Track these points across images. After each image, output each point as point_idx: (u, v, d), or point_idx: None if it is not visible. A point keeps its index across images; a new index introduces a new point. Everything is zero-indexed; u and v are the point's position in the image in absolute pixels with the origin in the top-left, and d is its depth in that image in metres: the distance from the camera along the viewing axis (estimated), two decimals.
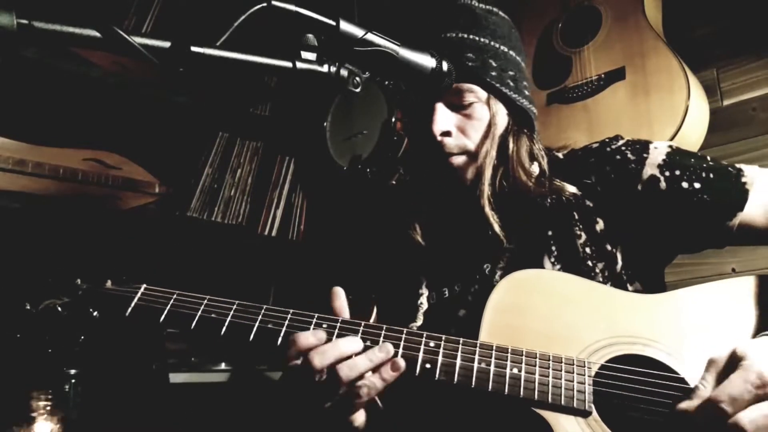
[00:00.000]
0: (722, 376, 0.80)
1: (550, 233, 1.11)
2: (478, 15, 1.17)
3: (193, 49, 0.67)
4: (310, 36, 0.78)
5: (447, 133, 1.13)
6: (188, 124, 2.34)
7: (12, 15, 0.57)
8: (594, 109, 1.98)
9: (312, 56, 0.76)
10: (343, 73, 0.78)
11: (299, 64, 0.75)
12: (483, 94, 1.13)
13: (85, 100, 2.11)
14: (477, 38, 1.14)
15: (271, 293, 2.54)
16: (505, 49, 1.17)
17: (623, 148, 1.14)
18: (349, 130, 2.24)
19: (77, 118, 2.11)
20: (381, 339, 0.93)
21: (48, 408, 1.52)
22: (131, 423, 1.88)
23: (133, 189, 2.09)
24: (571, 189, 1.12)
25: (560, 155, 1.24)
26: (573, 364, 0.90)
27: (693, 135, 1.83)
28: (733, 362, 0.80)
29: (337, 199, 2.37)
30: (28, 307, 0.95)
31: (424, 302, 1.16)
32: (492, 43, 1.15)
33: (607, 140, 1.18)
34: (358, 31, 0.79)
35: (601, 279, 1.06)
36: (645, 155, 1.10)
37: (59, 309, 0.96)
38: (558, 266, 1.08)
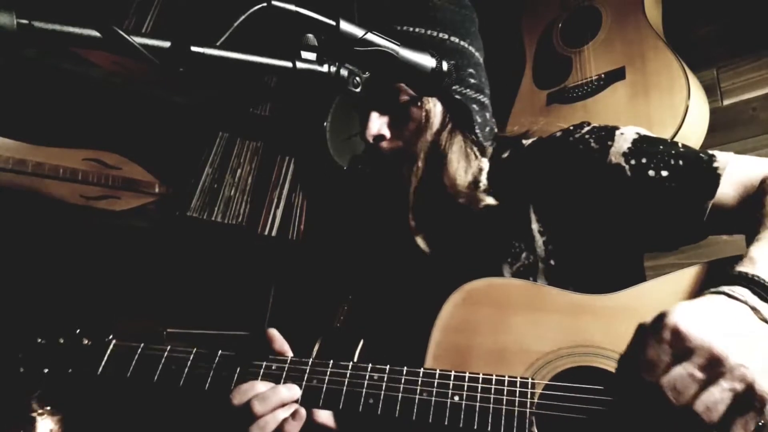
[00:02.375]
0: (646, 338, 0.71)
1: (502, 237, 1.06)
2: (418, 2, 1.12)
3: (193, 49, 0.67)
4: (310, 36, 0.78)
5: (380, 137, 1.10)
6: (188, 124, 2.35)
7: (12, 15, 0.57)
8: (594, 109, 1.98)
9: (312, 56, 0.76)
10: (343, 73, 0.78)
11: (299, 64, 0.75)
12: (416, 92, 1.08)
13: (85, 100, 2.11)
14: (411, 29, 1.08)
15: (271, 293, 2.54)
16: (445, 36, 1.10)
17: (587, 136, 1.06)
18: (349, 130, 2.24)
19: (77, 118, 2.11)
20: (326, 377, 0.96)
21: (48, 408, 1.52)
22: (131, 423, 1.88)
23: (133, 189, 2.10)
24: (489, 201, 1.07)
25: (526, 143, 1.17)
26: (516, 387, 0.87)
27: (693, 135, 1.83)
28: (657, 323, 0.72)
29: (338, 199, 2.37)
30: (22, 370, 1.07)
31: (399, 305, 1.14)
32: (429, 32, 1.09)
33: (571, 128, 1.11)
34: (358, 31, 0.79)
35: (567, 276, 1.00)
36: (609, 143, 1.03)
37: (45, 372, 1.06)
38: (518, 268, 1.02)
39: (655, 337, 0.69)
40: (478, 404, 0.87)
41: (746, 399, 0.65)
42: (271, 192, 2.40)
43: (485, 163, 1.15)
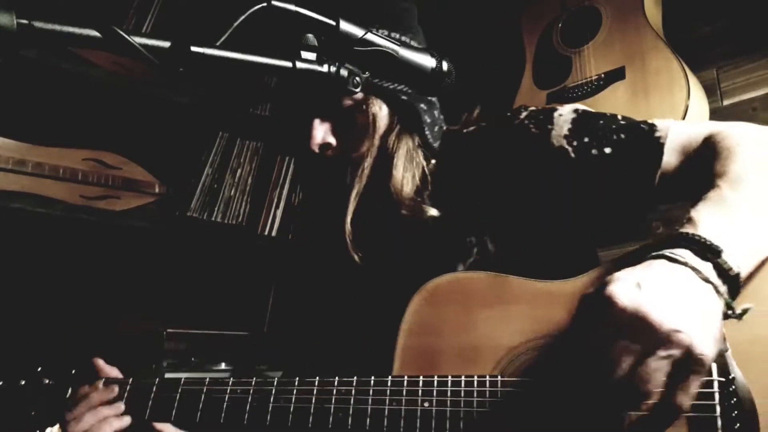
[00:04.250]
0: (588, 311, 0.71)
1: (451, 238, 1.03)
2: None
3: (193, 49, 0.67)
4: (310, 36, 0.78)
5: (326, 146, 1.06)
6: (188, 124, 2.35)
7: (12, 15, 0.57)
8: (594, 109, 1.97)
9: (312, 56, 0.76)
10: (343, 73, 0.78)
11: (299, 64, 0.75)
12: (360, 94, 1.03)
13: (85, 100, 2.11)
14: None
15: (271, 293, 2.54)
16: (384, 32, 1.03)
17: (526, 121, 1.04)
18: None
19: (77, 118, 2.11)
20: (293, 395, 0.94)
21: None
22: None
23: (133, 189, 2.09)
24: (432, 212, 1.04)
25: (465, 131, 1.14)
26: (485, 387, 0.85)
27: None
28: (598, 294, 0.70)
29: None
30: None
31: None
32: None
33: (509, 115, 1.08)
34: (358, 31, 0.79)
35: (521, 269, 0.95)
36: (549, 126, 1.01)
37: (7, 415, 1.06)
38: (470, 264, 1.01)
39: (593, 313, 0.69)
40: (448, 409, 0.86)
41: (685, 363, 0.64)
42: (271, 192, 2.40)
43: (432, 164, 1.11)
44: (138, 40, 0.64)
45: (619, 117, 1.01)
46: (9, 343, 1.15)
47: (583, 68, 2.06)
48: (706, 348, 0.65)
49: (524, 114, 1.06)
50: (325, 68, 0.76)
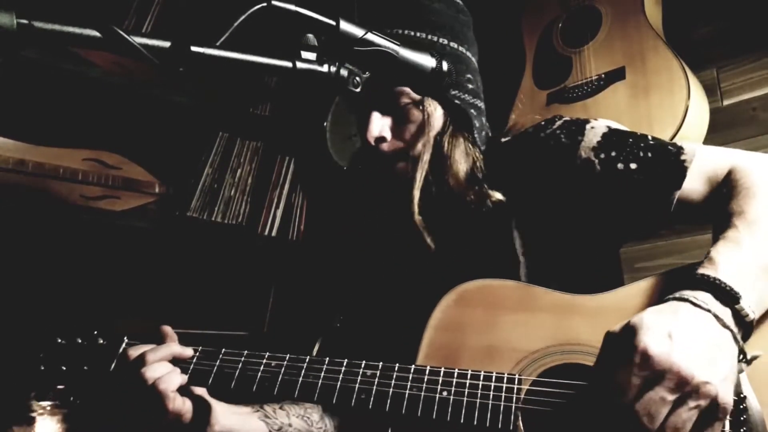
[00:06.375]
0: (617, 354, 0.75)
1: (487, 240, 1.09)
2: (419, 5, 1.14)
3: (193, 49, 0.67)
4: (310, 36, 0.78)
5: (381, 139, 1.12)
6: (188, 124, 2.35)
7: (12, 15, 0.57)
8: (594, 110, 1.98)
9: (312, 56, 0.76)
10: (343, 73, 0.78)
11: (299, 64, 0.75)
12: (417, 95, 1.11)
13: (85, 100, 2.11)
14: (412, 33, 1.10)
15: (271, 293, 2.54)
16: (444, 41, 1.13)
17: (558, 131, 1.10)
18: (349, 130, 2.24)
19: (77, 118, 2.11)
20: (322, 373, 0.99)
21: (48, 408, 1.52)
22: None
23: (133, 189, 2.09)
24: (497, 196, 1.09)
25: (503, 140, 1.20)
26: (503, 383, 0.89)
27: (693, 135, 1.83)
28: (627, 338, 0.74)
29: (338, 198, 2.37)
30: (42, 368, 1.12)
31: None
32: (429, 36, 1.11)
33: (542, 124, 1.14)
34: (358, 31, 0.79)
35: (548, 274, 1.02)
36: (580, 138, 1.06)
37: (63, 369, 1.12)
38: (502, 269, 1.04)
39: (626, 360, 0.72)
40: (465, 399, 0.89)
41: (710, 411, 0.71)
42: (271, 192, 2.40)
43: (471, 168, 1.16)
44: (138, 40, 0.64)
45: (649, 137, 1.05)
46: (8, 343, 1.16)
47: (584, 68, 2.06)
48: (728, 396, 0.71)
49: (558, 123, 1.12)
50: (325, 68, 0.76)
